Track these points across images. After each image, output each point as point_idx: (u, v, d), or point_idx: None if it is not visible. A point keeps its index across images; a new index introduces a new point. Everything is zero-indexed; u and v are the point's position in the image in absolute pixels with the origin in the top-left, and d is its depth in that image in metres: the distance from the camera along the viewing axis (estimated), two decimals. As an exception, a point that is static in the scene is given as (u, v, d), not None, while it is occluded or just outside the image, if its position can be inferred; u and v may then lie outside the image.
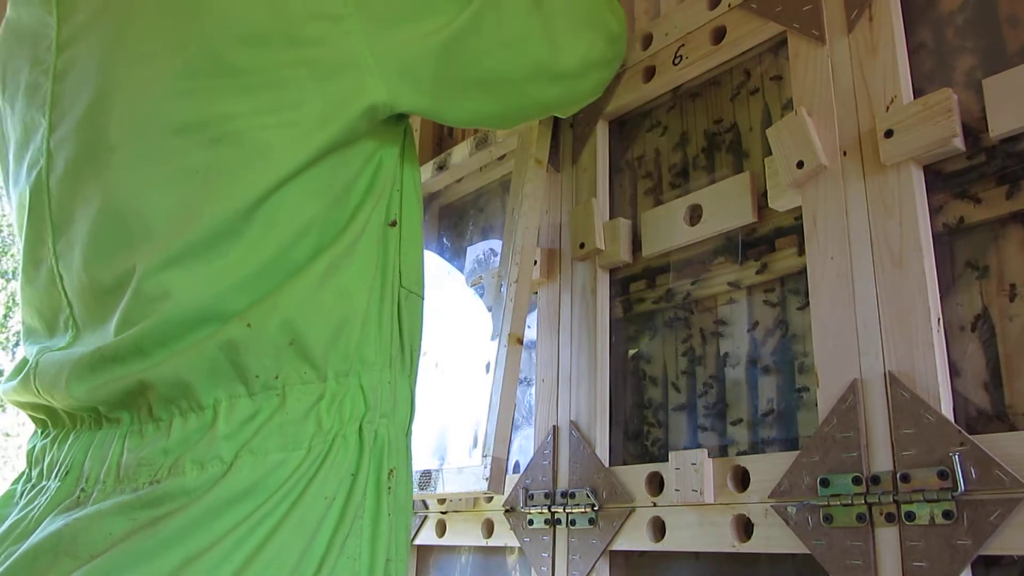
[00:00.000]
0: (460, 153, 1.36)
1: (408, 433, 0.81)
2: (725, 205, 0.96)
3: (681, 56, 1.05)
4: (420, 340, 0.86)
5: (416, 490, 1.09)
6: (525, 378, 1.20)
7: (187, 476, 0.67)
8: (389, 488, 0.74)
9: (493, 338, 1.06)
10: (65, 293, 0.77)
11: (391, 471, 0.75)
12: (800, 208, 0.88)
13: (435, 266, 1.41)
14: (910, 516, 0.70)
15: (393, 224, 0.82)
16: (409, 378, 0.82)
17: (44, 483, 0.76)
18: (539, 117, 1.03)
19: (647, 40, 1.12)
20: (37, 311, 0.82)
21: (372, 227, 0.79)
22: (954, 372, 0.74)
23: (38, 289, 0.80)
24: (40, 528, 0.69)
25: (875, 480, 0.73)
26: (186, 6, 0.73)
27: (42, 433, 0.82)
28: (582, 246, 1.10)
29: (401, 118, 0.86)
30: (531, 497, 1.06)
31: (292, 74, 0.72)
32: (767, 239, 0.94)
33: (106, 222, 0.73)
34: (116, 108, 0.73)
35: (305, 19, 0.72)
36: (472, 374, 1.11)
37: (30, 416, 0.84)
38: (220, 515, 0.65)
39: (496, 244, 1.32)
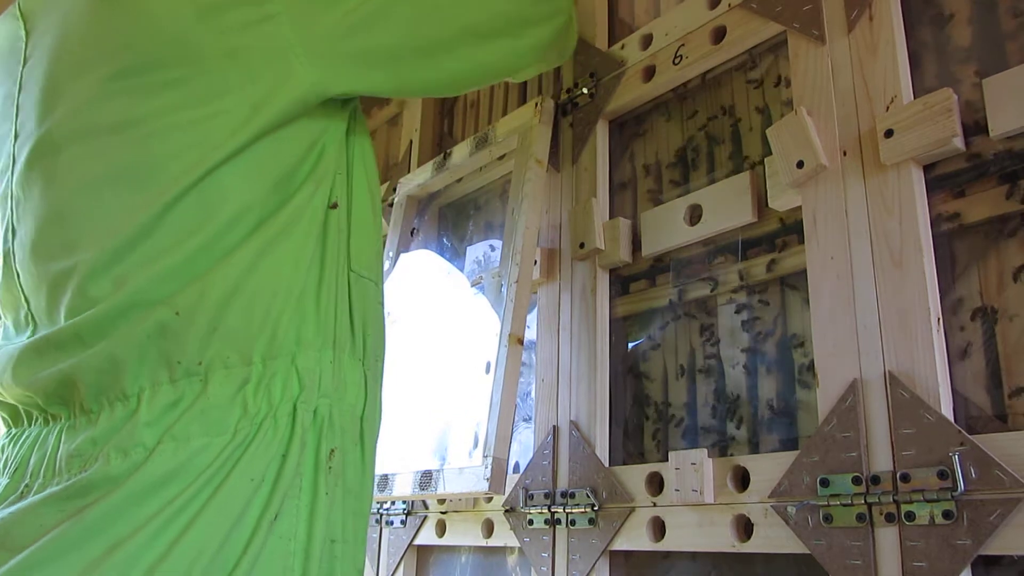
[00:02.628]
0: (460, 153, 1.36)
1: (363, 417, 0.80)
2: (725, 205, 0.96)
3: (681, 56, 1.05)
4: (376, 325, 0.85)
5: (417, 490, 1.09)
6: (525, 382, 1.20)
7: (111, 464, 0.68)
8: (330, 467, 0.74)
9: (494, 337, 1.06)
10: (22, 290, 0.79)
11: (332, 451, 0.74)
12: (800, 208, 0.88)
13: (435, 266, 1.41)
14: (910, 516, 0.70)
15: (334, 206, 0.82)
16: (361, 361, 0.81)
17: None
18: (489, 81, 1.01)
19: (647, 40, 1.12)
20: (6, 310, 0.84)
21: (310, 210, 0.79)
22: (954, 372, 0.74)
23: (5, 288, 0.83)
24: None
25: (875, 480, 0.73)
26: (115, 10, 0.75)
27: (6, 433, 0.84)
28: (582, 246, 1.10)
29: (346, 101, 0.86)
30: (531, 497, 1.06)
31: (219, 64, 0.74)
32: (767, 239, 0.94)
33: (51, 220, 0.76)
34: (59, 112, 0.76)
35: (228, 7, 0.73)
36: (472, 374, 1.11)
37: None
38: (143, 501, 0.66)
39: (496, 244, 1.32)
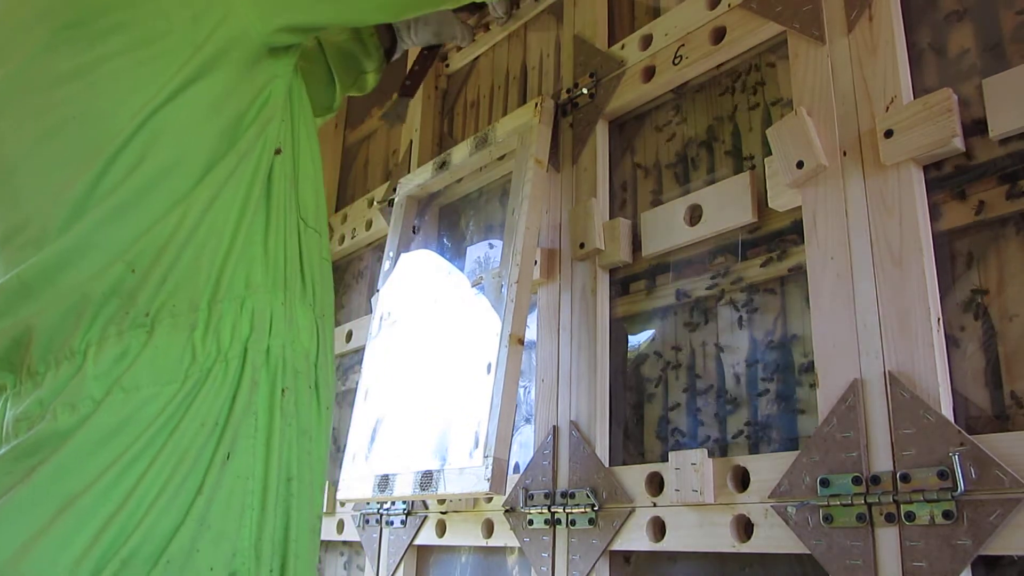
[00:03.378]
0: (460, 153, 1.36)
1: (316, 364, 0.81)
2: (725, 205, 0.96)
3: (681, 56, 1.05)
4: (324, 278, 0.86)
5: (418, 491, 1.09)
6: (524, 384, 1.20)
7: (59, 420, 0.67)
8: (282, 408, 0.74)
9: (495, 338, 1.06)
10: None
11: (283, 390, 0.75)
12: (800, 208, 0.88)
13: (435, 266, 1.41)
14: (910, 516, 0.70)
15: (278, 152, 0.82)
16: (311, 308, 0.82)
17: None
18: (431, 7, 0.99)
19: (647, 40, 1.12)
20: None
21: (255, 154, 0.79)
22: (954, 372, 0.74)
23: None
24: None
25: (875, 480, 0.73)
26: None
27: None
28: (582, 246, 1.10)
29: (289, 50, 0.86)
30: (531, 497, 1.06)
31: (160, 6, 0.75)
32: (767, 239, 0.94)
33: (2, 179, 0.76)
34: (3, 74, 0.76)
35: None
36: (473, 374, 1.11)
37: None
38: (94, 453, 0.66)
39: (496, 243, 1.32)
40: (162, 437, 0.68)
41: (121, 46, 0.74)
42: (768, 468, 0.83)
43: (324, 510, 1.46)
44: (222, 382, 0.72)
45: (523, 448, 1.16)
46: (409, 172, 1.52)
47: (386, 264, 1.42)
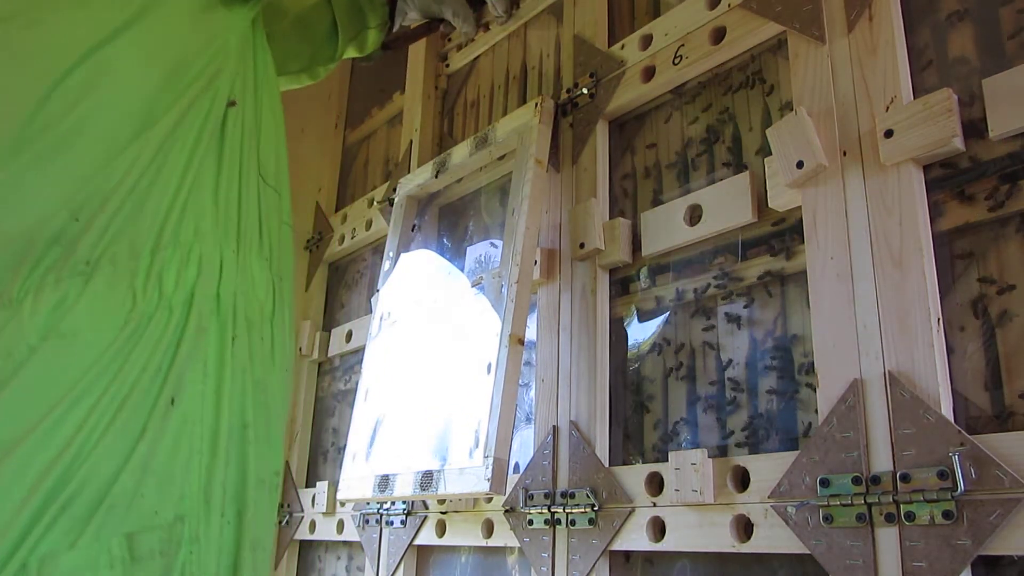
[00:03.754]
0: (460, 153, 1.36)
1: (273, 321, 0.79)
2: (725, 205, 0.96)
3: (681, 56, 1.05)
4: (282, 240, 0.85)
5: (418, 491, 1.10)
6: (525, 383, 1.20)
7: None
8: (233, 354, 0.73)
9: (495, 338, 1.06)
10: None
11: (234, 338, 0.74)
12: (800, 208, 0.88)
13: (435, 266, 1.41)
14: (910, 516, 0.70)
15: (232, 104, 0.81)
16: (268, 264, 0.81)
17: None
18: None
19: (647, 40, 1.12)
20: None
21: (204, 103, 0.78)
22: (954, 372, 0.74)
23: None
24: None
25: (875, 480, 0.73)
26: None
27: None
28: (582, 246, 1.10)
29: (247, 4, 0.86)
30: (531, 497, 1.06)
31: None
32: (767, 239, 0.94)
33: None
34: None
35: None
36: (473, 374, 1.11)
37: None
38: (30, 400, 0.65)
39: (496, 243, 1.32)
40: (102, 382, 0.67)
41: None
42: (768, 468, 0.83)
43: (324, 509, 1.46)
44: (164, 327, 0.71)
45: (523, 448, 1.16)
46: (409, 172, 1.52)
47: (386, 264, 1.42)
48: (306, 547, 1.60)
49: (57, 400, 0.65)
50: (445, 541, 1.21)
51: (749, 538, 0.83)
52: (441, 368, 1.19)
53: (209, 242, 0.75)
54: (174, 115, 0.76)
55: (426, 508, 1.25)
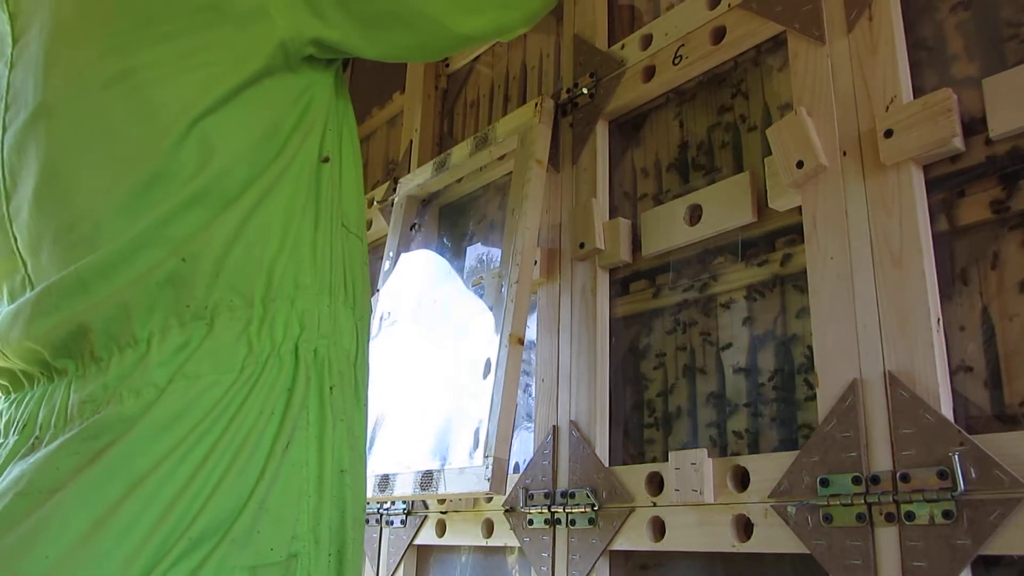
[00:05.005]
0: (460, 153, 1.36)
1: (356, 364, 0.84)
2: (725, 205, 0.96)
3: (681, 56, 1.05)
4: (363, 282, 0.89)
5: (418, 490, 1.10)
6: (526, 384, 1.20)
7: (125, 404, 0.70)
8: (331, 404, 0.78)
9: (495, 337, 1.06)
10: (20, 254, 0.82)
11: (331, 387, 0.79)
12: (800, 208, 0.88)
13: (435, 266, 1.41)
14: (910, 516, 0.70)
15: (326, 160, 0.86)
16: (352, 311, 0.85)
17: (3, 440, 0.80)
18: (469, 47, 1.03)
19: (647, 40, 1.12)
20: (2, 278, 0.86)
21: (300, 161, 0.83)
22: (954, 372, 0.74)
23: (2, 257, 0.85)
24: (1, 478, 0.73)
25: (875, 480, 0.73)
26: None
27: (4, 399, 0.86)
28: (582, 246, 1.10)
29: (332, 60, 0.90)
30: (531, 497, 1.06)
31: (204, 18, 0.78)
32: (767, 239, 0.94)
33: (47, 179, 0.79)
34: (54, 76, 0.80)
35: None
36: (473, 375, 1.11)
37: None
38: (158, 437, 0.69)
39: (496, 243, 1.32)
40: (222, 423, 0.71)
41: (164, 55, 0.77)
42: (768, 468, 0.83)
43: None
44: (277, 375, 0.75)
45: (523, 448, 1.16)
46: (409, 172, 1.52)
47: (386, 264, 1.42)
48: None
49: (181, 437, 0.69)
50: (445, 541, 1.21)
51: (749, 538, 0.83)
52: (441, 368, 1.19)
53: (309, 297, 0.80)
54: (272, 174, 0.80)
55: (426, 508, 1.25)
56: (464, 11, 0.92)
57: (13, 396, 0.84)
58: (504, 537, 1.11)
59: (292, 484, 0.72)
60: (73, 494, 0.66)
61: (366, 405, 0.87)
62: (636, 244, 1.07)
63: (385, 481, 1.16)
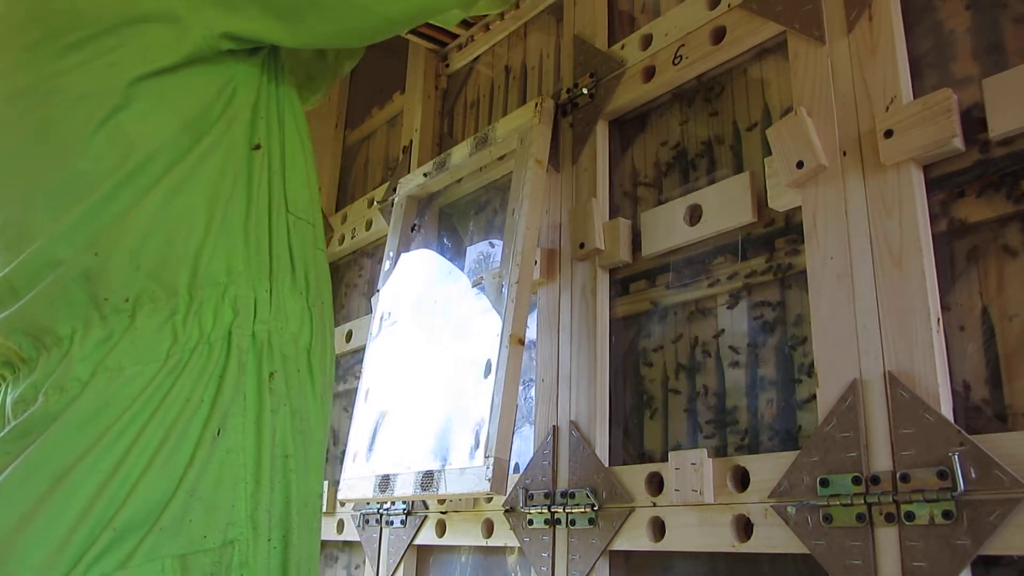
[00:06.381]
0: (460, 153, 1.36)
1: (310, 349, 0.84)
2: (725, 205, 0.96)
3: (681, 56, 1.05)
4: (318, 265, 0.89)
5: (418, 491, 1.10)
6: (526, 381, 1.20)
7: (49, 401, 0.72)
8: (271, 388, 0.78)
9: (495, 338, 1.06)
10: None
11: (271, 373, 0.79)
12: (800, 208, 0.88)
13: (435, 266, 1.41)
14: (910, 516, 0.70)
15: (257, 147, 0.86)
16: (304, 295, 0.85)
17: None
18: (398, 31, 1.00)
19: (647, 40, 1.12)
20: None
21: (224, 149, 0.83)
22: (954, 372, 0.74)
23: None
24: None
25: (875, 480, 0.73)
26: None
27: None
28: (582, 246, 1.10)
29: (255, 50, 0.89)
30: (531, 497, 1.06)
31: (109, 24, 0.79)
32: (767, 239, 0.94)
33: None
34: None
35: None
36: (473, 375, 1.11)
37: None
38: (81, 430, 0.70)
39: (496, 243, 1.32)
40: (146, 413, 0.71)
41: (75, 62, 0.78)
42: (768, 468, 0.83)
43: (324, 509, 1.46)
44: (206, 362, 0.75)
45: (523, 448, 1.16)
46: (409, 172, 1.52)
47: (386, 264, 1.42)
48: (306, 547, 1.60)
49: (105, 429, 0.70)
50: (445, 541, 1.21)
51: (749, 538, 0.83)
52: (441, 368, 1.19)
53: (242, 283, 0.80)
54: (191, 161, 0.80)
55: (426, 508, 1.25)
56: None
57: None
58: (504, 537, 1.11)
59: (226, 471, 0.72)
60: (1, 491, 0.67)
61: (328, 391, 0.86)
62: (636, 244, 1.07)
63: (385, 481, 1.16)
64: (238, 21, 0.83)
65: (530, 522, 1.05)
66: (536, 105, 1.20)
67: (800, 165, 0.86)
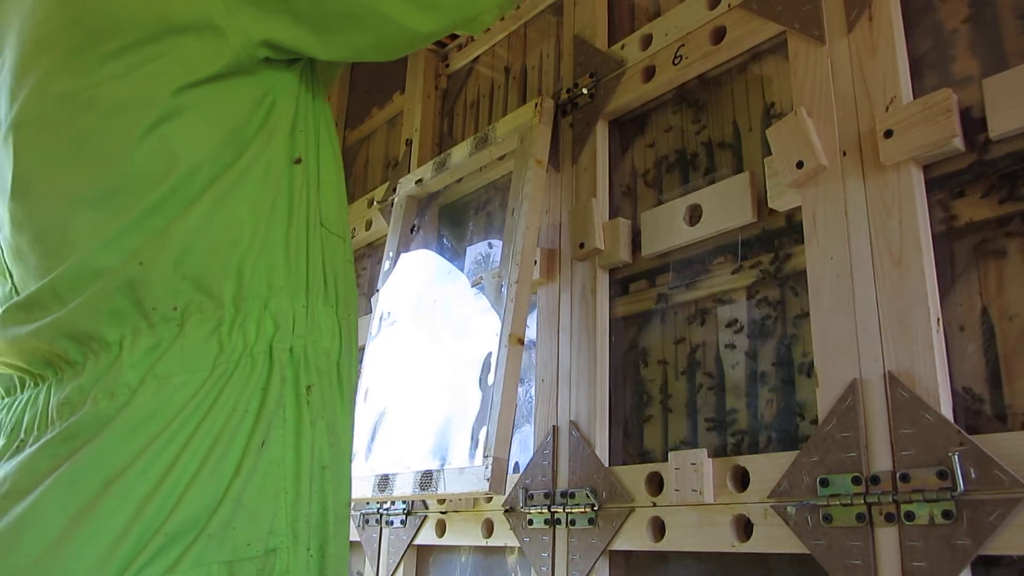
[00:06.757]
0: (460, 153, 1.36)
1: (339, 362, 0.85)
2: (725, 205, 0.96)
3: (681, 56, 1.05)
4: (346, 280, 0.90)
5: (417, 490, 1.10)
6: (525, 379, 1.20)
7: (99, 406, 0.72)
8: (308, 401, 0.79)
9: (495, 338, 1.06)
10: (6, 265, 0.84)
11: (309, 387, 0.80)
12: (800, 208, 0.88)
13: (435, 266, 1.41)
14: (910, 516, 0.70)
15: (298, 161, 0.87)
16: (334, 309, 0.86)
17: None
18: (427, 44, 1.01)
19: (647, 40, 1.12)
20: None
21: (266, 161, 0.84)
22: (954, 372, 0.74)
23: None
24: None
25: (875, 480, 0.73)
26: None
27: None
28: (582, 246, 1.10)
29: (293, 61, 0.90)
30: (531, 497, 1.06)
31: (152, 32, 0.79)
32: (767, 239, 0.94)
33: (18, 194, 0.81)
34: (22, 92, 0.81)
35: None
36: (473, 375, 1.11)
37: None
38: (132, 436, 0.70)
39: (496, 243, 1.32)
40: (194, 421, 0.72)
41: (115, 71, 0.78)
42: (768, 468, 0.83)
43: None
44: (250, 374, 0.76)
45: (523, 448, 1.16)
46: (409, 172, 1.52)
47: (386, 264, 1.42)
48: (306, 547, 1.60)
49: (154, 436, 0.71)
50: (445, 541, 1.21)
51: (749, 538, 0.83)
52: (441, 368, 1.19)
53: (283, 297, 0.81)
54: (235, 172, 0.81)
55: (426, 508, 1.25)
56: (421, 7, 0.89)
57: (6, 400, 0.86)
58: (504, 537, 1.11)
59: (269, 481, 0.74)
60: (50, 494, 0.68)
61: (353, 402, 0.88)
62: (636, 244, 1.07)
63: (385, 481, 1.16)
64: (275, 29, 0.84)
65: (530, 522, 1.05)
66: (536, 105, 1.20)
67: (800, 165, 0.86)
